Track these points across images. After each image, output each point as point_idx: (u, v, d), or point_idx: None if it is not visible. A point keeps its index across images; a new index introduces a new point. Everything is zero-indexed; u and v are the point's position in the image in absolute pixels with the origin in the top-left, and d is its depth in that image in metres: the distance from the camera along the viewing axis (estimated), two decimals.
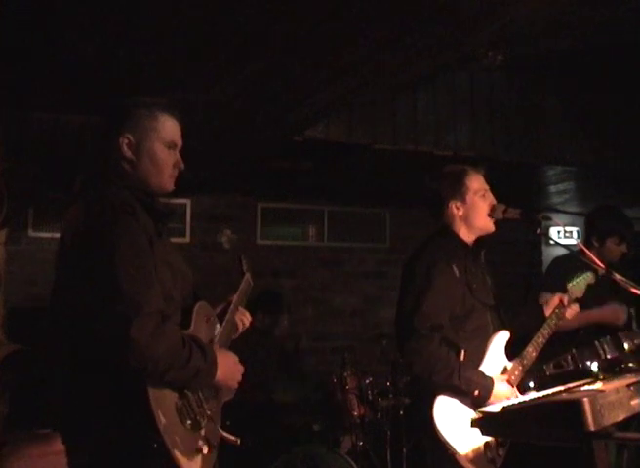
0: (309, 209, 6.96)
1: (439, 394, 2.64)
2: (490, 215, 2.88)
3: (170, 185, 2.10)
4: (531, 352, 2.88)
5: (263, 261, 6.56)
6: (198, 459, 1.89)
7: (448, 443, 2.56)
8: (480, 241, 2.96)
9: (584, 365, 3.11)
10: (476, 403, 2.65)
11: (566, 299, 3.00)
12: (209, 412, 1.95)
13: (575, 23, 4.01)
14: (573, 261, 3.13)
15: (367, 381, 4.51)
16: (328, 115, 4.32)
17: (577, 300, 3.07)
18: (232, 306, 2.30)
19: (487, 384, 2.68)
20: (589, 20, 3.98)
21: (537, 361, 2.94)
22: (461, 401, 2.65)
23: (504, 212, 2.90)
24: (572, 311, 3.02)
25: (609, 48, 4.47)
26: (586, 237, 3.89)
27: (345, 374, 4.50)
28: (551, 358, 3.18)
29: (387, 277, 7.03)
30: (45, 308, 1.95)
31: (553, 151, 5.29)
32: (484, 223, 2.89)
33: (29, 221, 5.84)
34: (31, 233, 5.84)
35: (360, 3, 2.69)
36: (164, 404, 1.80)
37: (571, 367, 3.19)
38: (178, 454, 1.79)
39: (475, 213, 2.87)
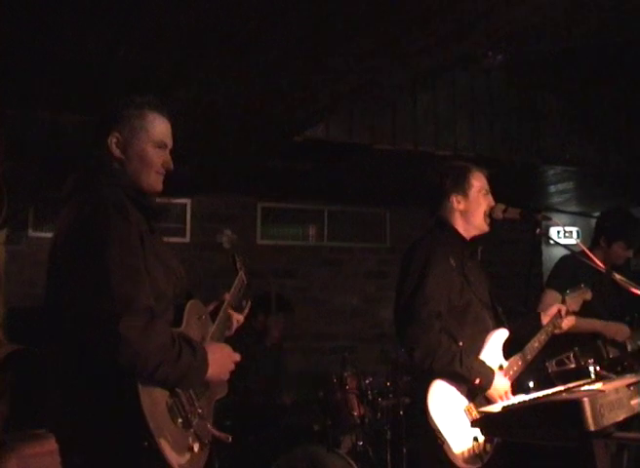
0: (309, 209, 6.96)
1: (436, 378, 2.64)
2: (488, 215, 2.90)
3: (158, 185, 2.09)
4: (527, 355, 2.91)
5: (263, 261, 6.56)
6: (189, 457, 1.88)
7: (439, 430, 2.56)
8: (477, 239, 2.97)
9: (587, 364, 3.13)
10: (474, 392, 2.66)
11: (564, 310, 3.05)
12: (200, 410, 1.95)
13: (574, 23, 4.01)
14: (581, 261, 3.13)
15: (367, 381, 4.50)
16: (328, 115, 4.32)
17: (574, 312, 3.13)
18: (225, 304, 2.30)
19: (488, 374, 2.69)
20: (589, 20, 3.98)
21: (532, 363, 2.96)
22: (457, 389, 2.66)
23: (504, 212, 2.91)
24: (568, 322, 3.08)
25: (609, 48, 4.47)
26: (595, 236, 3.89)
27: (345, 374, 4.49)
28: (554, 355, 3.19)
29: (387, 277, 7.02)
30: (45, 308, 1.95)
31: (553, 151, 5.29)
32: (481, 222, 2.91)
33: (29, 221, 5.83)
34: (31, 233, 5.84)
35: (360, 3, 2.69)
36: (154, 402, 1.80)
37: (573, 365, 3.20)
38: (169, 453, 1.79)
39: (475, 209, 2.89)
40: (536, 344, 2.93)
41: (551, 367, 3.23)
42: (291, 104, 3.90)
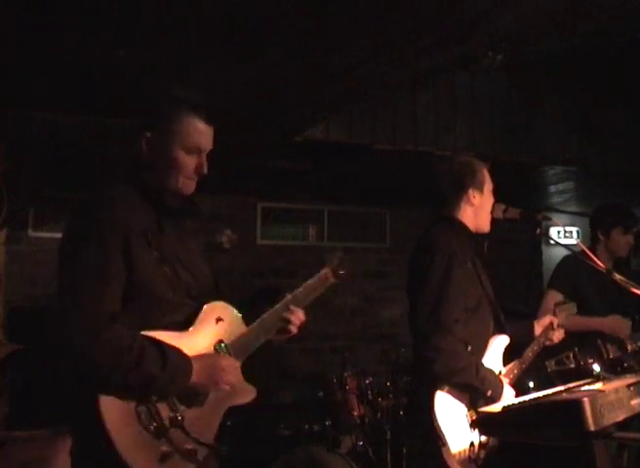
0: (309, 209, 6.95)
1: (439, 388, 2.63)
2: (490, 213, 2.89)
3: (187, 189, 2.05)
4: (521, 363, 2.91)
5: (263, 261, 6.55)
6: (163, 466, 1.83)
7: (442, 432, 2.56)
8: (481, 234, 2.95)
9: (586, 363, 3.13)
10: (476, 402, 2.65)
11: (556, 322, 3.06)
12: (179, 418, 1.88)
13: (574, 24, 4.01)
14: (582, 261, 3.13)
15: (367, 381, 4.50)
16: (328, 115, 4.32)
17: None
18: (280, 304, 2.18)
19: (499, 386, 2.68)
20: (589, 21, 3.98)
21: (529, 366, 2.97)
22: (458, 398, 2.65)
23: (504, 211, 2.90)
24: (559, 334, 3.09)
25: (609, 48, 4.47)
26: (592, 233, 3.89)
27: (345, 374, 4.49)
28: (553, 355, 3.19)
29: (387, 277, 7.02)
30: (45, 308, 1.97)
31: (553, 151, 5.29)
32: (487, 220, 2.89)
33: (29, 221, 5.84)
34: (31, 233, 5.84)
35: (360, 3, 2.69)
36: (117, 407, 1.77)
37: (573, 365, 3.21)
38: (131, 458, 1.76)
39: (486, 207, 2.87)
40: (530, 354, 2.96)
41: (550, 366, 3.24)
42: (291, 104, 3.90)
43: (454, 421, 2.60)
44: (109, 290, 1.82)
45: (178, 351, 1.89)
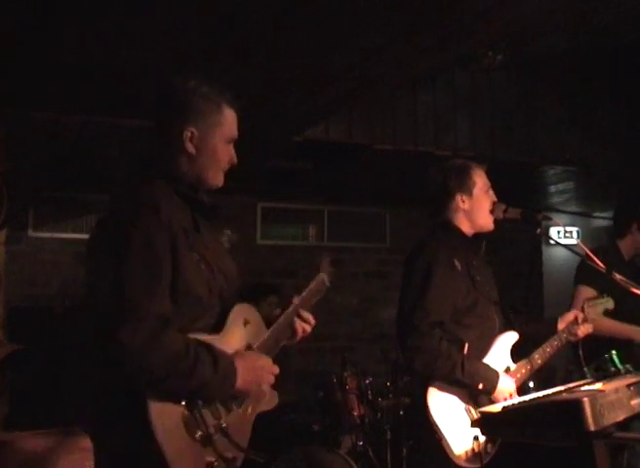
0: (309, 209, 6.95)
1: (432, 384, 2.64)
2: (491, 213, 2.88)
3: (221, 181, 2.05)
4: (537, 359, 2.87)
5: (263, 261, 6.55)
6: None
7: (437, 426, 2.57)
8: (479, 235, 2.95)
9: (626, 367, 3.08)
10: (475, 396, 2.65)
11: (581, 317, 2.99)
12: (224, 425, 1.80)
13: (575, 22, 4.02)
14: (603, 258, 3.08)
15: (367, 381, 4.50)
16: (328, 115, 4.32)
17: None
18: (290, 309, 2.14)
19: (492, 378, 2.67)
20: (589, 20, 3.98)
21: (543, 367, 2.93)
22: (452, 393, 2.65)
23: (505, 211, 2.90)
24: (585, 329, 3.00)
25: (609, 48, 4.48)
26: (624, 225, 3.79)
27: (345, 374, 4.49)
28: (590, 360, 3.14)
29: (387, 277, 7.02)
30: (45, 308, 1.96)
31: (553, 151, 5.29)
32: (486, 220, 2.88)
33: (29, 221, 5.84)
34: (31, 233, 5.83)
35: (360, 3, 2.69)
36: (167, 412, 1.69)
37: (612, 369, 3.17)
38: (177, 467, 1.68)
39: (480, 208, 2.86)
40: (548, 349, 2.89)
41: (590, 372, 3.19)
42: (291, 104, 3.90)
43: (451, 416, 2.61)
44: (160, 290, 1.72)
45: (225, 354, 1.81)
